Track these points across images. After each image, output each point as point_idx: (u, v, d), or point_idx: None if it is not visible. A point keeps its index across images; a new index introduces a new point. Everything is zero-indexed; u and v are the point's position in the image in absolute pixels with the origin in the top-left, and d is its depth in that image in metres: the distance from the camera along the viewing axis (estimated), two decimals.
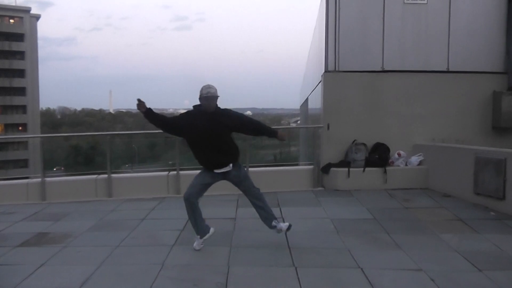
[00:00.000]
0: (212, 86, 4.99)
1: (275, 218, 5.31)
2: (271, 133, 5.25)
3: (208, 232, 5.19)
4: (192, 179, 5.17)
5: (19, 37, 62.50)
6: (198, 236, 5.15)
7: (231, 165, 5.10)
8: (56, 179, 8.83)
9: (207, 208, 5.88)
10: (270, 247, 5.15)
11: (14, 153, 57.33)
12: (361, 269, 4.42)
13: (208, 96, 4.93)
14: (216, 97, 4.99)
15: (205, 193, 5.69)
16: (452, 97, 8.95)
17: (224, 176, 5.15)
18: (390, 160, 8.65)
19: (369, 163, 8.49)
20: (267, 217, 5.28)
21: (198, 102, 5.04)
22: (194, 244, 5.15)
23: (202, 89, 4.97)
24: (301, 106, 19.09)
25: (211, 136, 4.94)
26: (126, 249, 5.23)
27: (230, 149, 5.13)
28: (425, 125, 8.94)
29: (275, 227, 5.23)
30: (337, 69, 8.95)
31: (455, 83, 8.97)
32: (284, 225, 5.24)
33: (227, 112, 5.11)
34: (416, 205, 7.15)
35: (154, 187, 8.43)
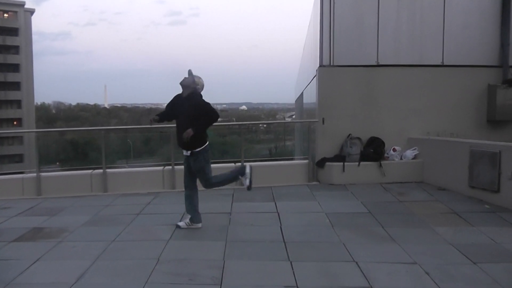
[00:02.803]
0: (191, 77, 5.44)
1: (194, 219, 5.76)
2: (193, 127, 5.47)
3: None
4: None
5: (13, 32, 62.00)
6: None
7: (189, 152, 5.46)
8: (51, 174, 8.80)
9: (202, 203, 5.90)
10: (265, 241, 5.16)
11: (9, 148, 57.04)
12: (356, 262, 4.44)
13: (181, 84, 5.45)
14: (187, 86, 5.42)
15: (199, 188, 5.76)
16: (447, 90, 8.95)
17: (186, 159, 5.59)
18: (385, 155, 8.66)
19: (364, 157, 8.49)
20: (191, 210, 5.74)
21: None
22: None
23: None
24: (296, 100, 19.08)
25: (180, 118, 5.44)
26: (122, 244, 5.23)
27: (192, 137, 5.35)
28: (420, 119, 8.95)
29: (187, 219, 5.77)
30: (332, 63, 8.93)
31: (450, 77, 8.97)
32: (184, 223, 5.73)
33: (195, 99, 5.42)
34: (411, 199, 7.18)
35: (149, 182, 8.41)
